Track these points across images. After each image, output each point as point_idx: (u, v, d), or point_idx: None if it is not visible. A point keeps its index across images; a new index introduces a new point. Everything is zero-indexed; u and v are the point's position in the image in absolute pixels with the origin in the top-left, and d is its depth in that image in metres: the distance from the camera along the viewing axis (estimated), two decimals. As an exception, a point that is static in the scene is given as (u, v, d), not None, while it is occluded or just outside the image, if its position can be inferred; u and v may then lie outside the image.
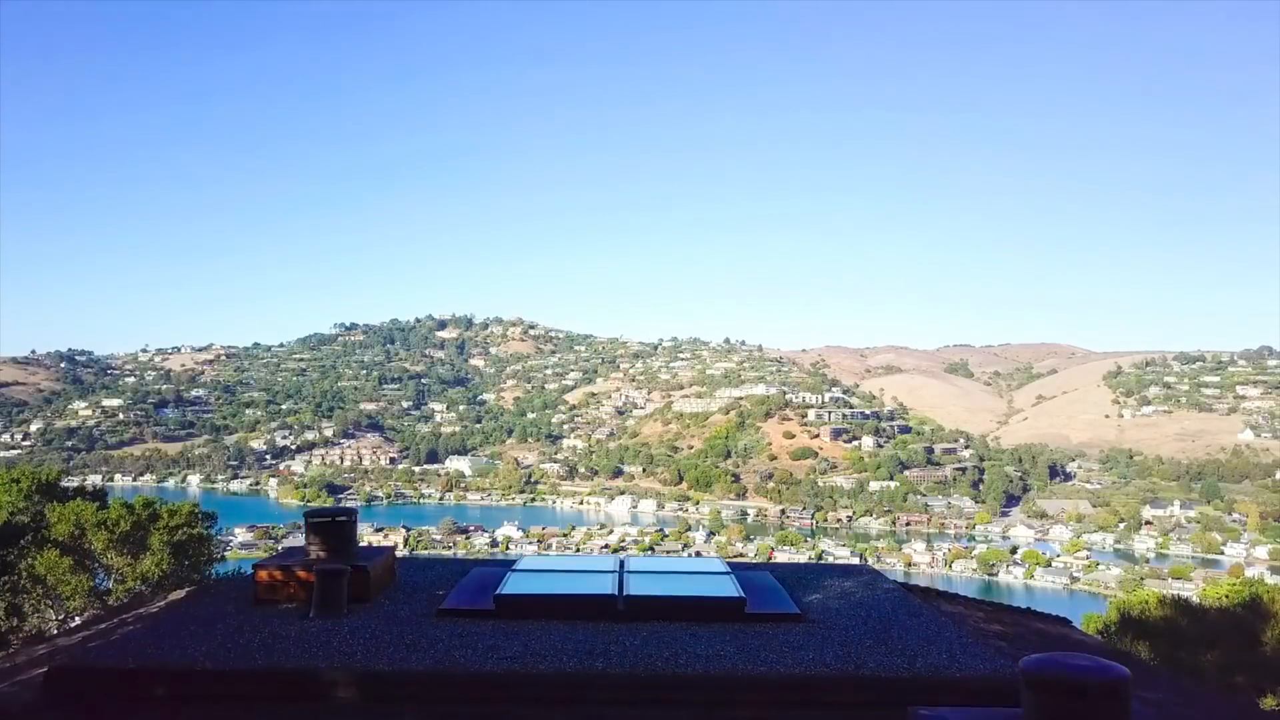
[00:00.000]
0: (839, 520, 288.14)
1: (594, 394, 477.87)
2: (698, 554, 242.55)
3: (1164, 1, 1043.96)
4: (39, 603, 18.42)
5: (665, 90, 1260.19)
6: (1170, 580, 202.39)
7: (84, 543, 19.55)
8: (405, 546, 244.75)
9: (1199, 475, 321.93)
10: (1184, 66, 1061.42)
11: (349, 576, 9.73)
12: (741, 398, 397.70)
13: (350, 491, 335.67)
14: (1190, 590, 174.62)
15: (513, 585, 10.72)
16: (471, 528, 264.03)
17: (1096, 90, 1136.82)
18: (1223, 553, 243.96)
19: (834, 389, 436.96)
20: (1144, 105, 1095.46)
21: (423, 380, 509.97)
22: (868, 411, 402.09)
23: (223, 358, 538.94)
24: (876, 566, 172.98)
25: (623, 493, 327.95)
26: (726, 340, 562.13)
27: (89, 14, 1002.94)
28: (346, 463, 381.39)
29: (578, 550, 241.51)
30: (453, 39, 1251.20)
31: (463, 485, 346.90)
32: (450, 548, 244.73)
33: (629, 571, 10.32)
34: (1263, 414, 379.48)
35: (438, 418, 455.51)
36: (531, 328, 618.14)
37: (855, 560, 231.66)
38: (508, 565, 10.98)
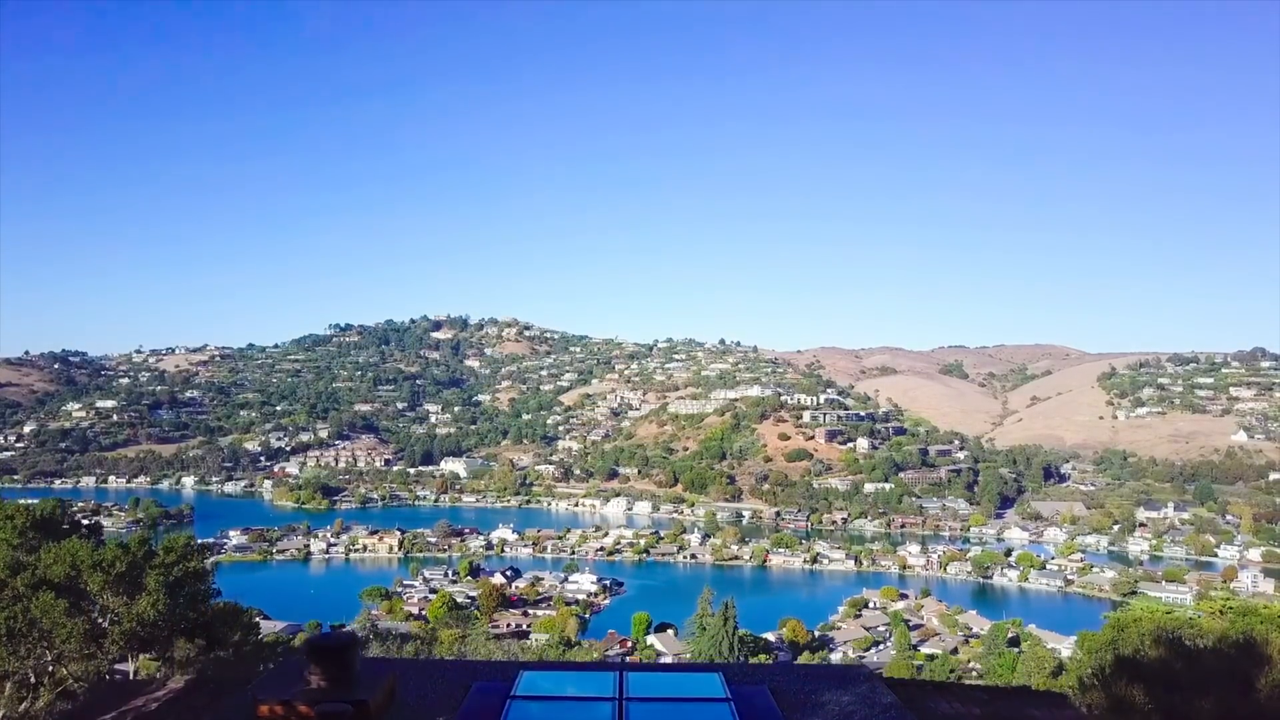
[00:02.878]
0: (834, 523, 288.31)
1: (589, 395, 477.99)
2: (693, 557, 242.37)
3: (1159, 7, 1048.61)
4: (34, 646, 18.35)
5: (661, 93, 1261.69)
6: (1164, 583, 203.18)
7: (80, 583, 19.47)
8: (400, 549, 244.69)
9: (1193, 477, 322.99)
10: (1179, 71, 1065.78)
11: (350, 717, 9.48)
12: (736, 399, 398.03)
13: (345, 493, 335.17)
14: (1185, 593, 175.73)
15: None
16: (467, 530, 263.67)
17: (1092, 94, 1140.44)
18: (1216, 555, 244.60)
19: (829, 390, 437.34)
20: (1139, 109, 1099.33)
21: (418, 381, 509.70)
22: (863, 413, 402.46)
23: (217, 359, 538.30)
24: (871, 569, 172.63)
25: (618, 494, 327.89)
26: (721, 341, 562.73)
27: (83, 18, 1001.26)
28: (341, 464, 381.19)
29: (573, 553, 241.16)
30: (449, 44, 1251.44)
31: (458, 487, 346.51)
32: (445, 550, 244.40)
33: (628, 699, 10.07)
34: (1256, 415, 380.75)
35: (433, 419, 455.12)
36: (527, 329, 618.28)
37: (851, 563, 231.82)
38: (509, 685, 10.73)
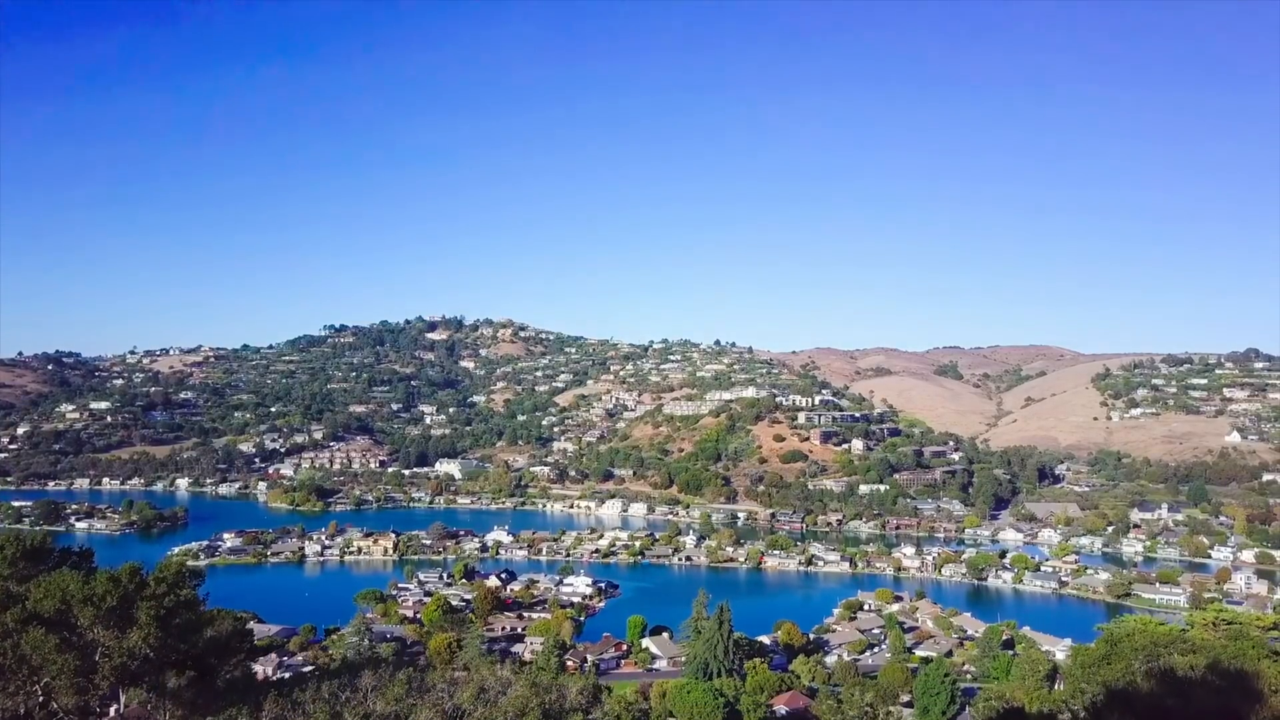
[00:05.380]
0: (829, 524, 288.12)
1: (584, 396, 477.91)
2: (688, 559, 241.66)
3: (1154, 16, 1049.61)
4: (24, 682, 18.19)
5: (656, 94, 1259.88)
6: (1158, 585, 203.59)
7: (70, 617, 19.29)
8: (395, 551, 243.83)
9: (1187, 478, 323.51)
10: (1175, 76, 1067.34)
11: None
12: (732, 400, 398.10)
13: (340, 495, 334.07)
14: (1179, 595, 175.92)
15: None
16: (462, 532, 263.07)
17: (1087, 97, 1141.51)
18: (1210, 556, 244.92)
19: (824, 391, 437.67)
20: (1134, 111, 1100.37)
21: (413, 382, 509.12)
22: (858, 414, 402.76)
23: (211, 360, 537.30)
24: (866, 571, 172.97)
25: (613, 496, 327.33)
26: (717, 342, 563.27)
27: (80, 20, 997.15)
28: (336, 466, 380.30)
29: (568, 555, 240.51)
30: (444, 43, 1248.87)
31: (453, 489, 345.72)
32: (440, 552, 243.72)
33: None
34: (1249, 416, 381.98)
35: (427, 420, 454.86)
36: (522, 329, 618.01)
37: (847, 565, 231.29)
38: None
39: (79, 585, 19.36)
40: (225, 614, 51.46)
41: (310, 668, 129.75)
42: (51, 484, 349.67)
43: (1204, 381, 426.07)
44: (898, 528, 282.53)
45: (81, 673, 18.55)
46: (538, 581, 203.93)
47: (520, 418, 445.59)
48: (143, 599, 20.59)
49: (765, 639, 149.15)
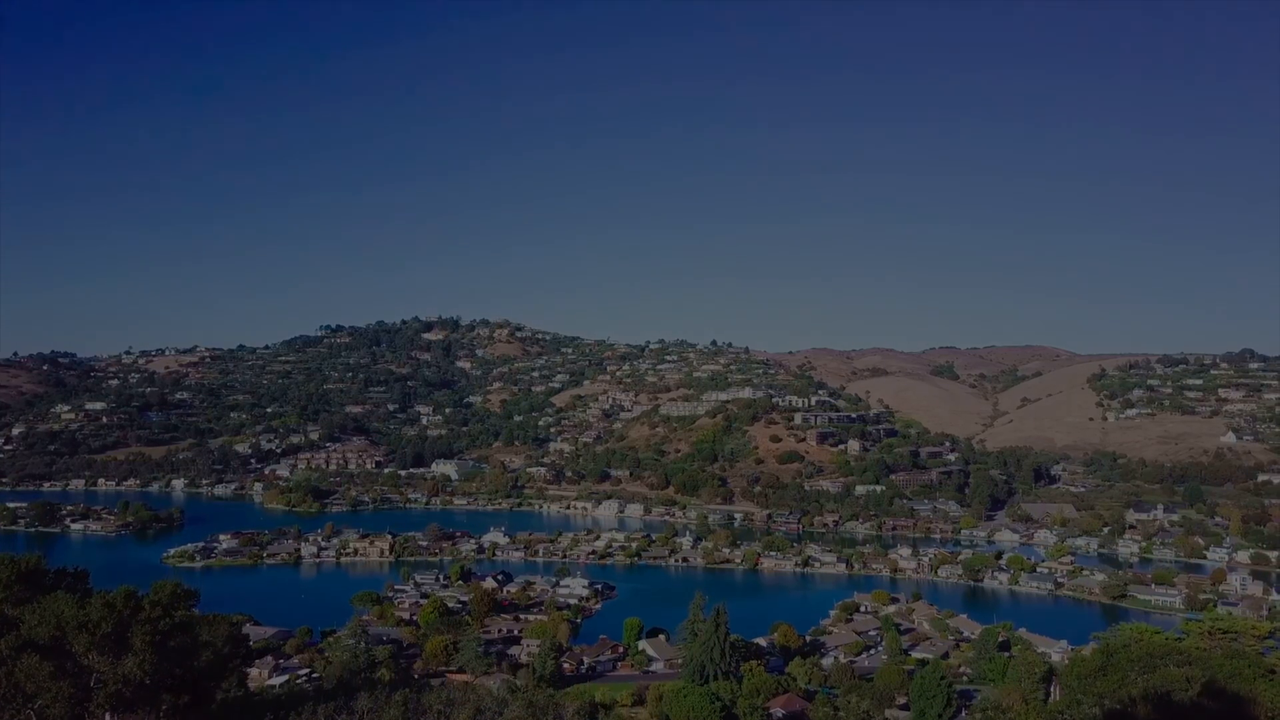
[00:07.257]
0: (825, 525, 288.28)
1: (581, 397, 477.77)
2: (685, 560, 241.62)
3: (1153, 11, 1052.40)
4: (19, 710, 18.05)
5: (654, 94, 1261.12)
6: (1154, 586, 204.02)
7: (65, 644, 19.16)
8: (391, 553, 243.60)
9: (1182, 478, 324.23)
10: (1170, 75, 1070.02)
11: None
12: (728, 400, 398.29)
13: (336, 496, 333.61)
14: (1174, 596, 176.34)
15: None
16: (458, 534, 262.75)
17: (1083, 98, 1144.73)
18: (1205, 557, 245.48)
19: (820, 391, 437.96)
20: (1131, 113, 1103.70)
21: (409, 383, 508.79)
22: (854, 414, 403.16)
23: (207, 360, 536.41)
24: (863, 573, 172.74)
25: (609, 497, 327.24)
26: (713, 342, 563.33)
27: (77, 19, 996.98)
28: (332, 466, 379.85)
29: (565, 556, 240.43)
30: (441, 43, 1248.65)
31: (449, 489, 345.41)
32: (437, 554, 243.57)
33: None
34: (1245, 417, 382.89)
35: (424, 420, 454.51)
36: (518, 329, 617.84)
37: (843, 566, 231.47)
38: None
39: (74, 611, 19.23)
40: (221, 619, 51.24)
41: (306, 671, 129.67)
42: (47, 485, 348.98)
43: (1199, 382, 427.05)
44: (894, 529, 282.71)
45: (76, 700, 18.45)
46: (534, 583, 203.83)
47: (517, 418, 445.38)
48: (138, 623, 20.47)
49: (762, 641, 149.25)
